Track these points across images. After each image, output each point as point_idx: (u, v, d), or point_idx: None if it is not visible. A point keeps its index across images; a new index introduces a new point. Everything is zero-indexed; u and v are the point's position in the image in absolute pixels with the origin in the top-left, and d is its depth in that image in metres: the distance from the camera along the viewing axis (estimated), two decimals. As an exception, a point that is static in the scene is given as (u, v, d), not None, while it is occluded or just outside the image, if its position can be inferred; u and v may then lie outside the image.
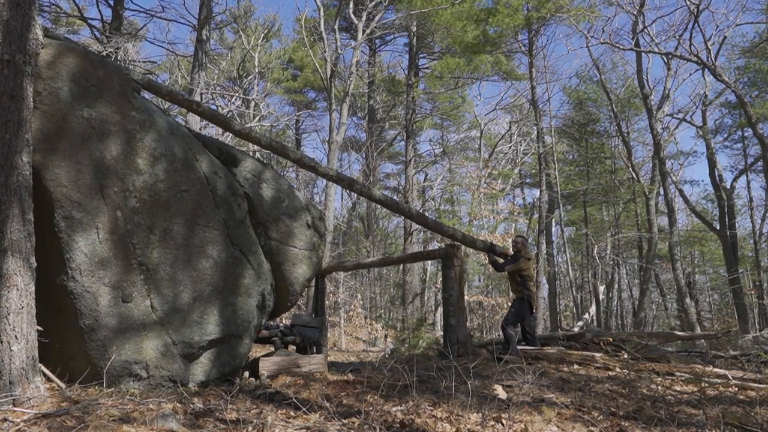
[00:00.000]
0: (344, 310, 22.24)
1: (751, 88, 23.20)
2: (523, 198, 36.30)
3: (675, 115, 24.82)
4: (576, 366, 6.95)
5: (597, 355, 7.21)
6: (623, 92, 25.95)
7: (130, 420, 3.84)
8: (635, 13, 19.44)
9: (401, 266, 25.45)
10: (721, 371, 6.39)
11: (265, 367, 6.33)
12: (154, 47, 44.09)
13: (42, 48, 5.00)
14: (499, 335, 11.40)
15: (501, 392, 4.59)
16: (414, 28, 23.21)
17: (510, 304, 8.99)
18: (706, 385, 5.52)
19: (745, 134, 25.00)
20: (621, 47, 20.20)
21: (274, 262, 6.72)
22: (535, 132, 24.27)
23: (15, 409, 3.98)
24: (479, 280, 28.73)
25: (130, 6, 15.09)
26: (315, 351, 8.05)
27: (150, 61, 17.21)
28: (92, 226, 5.04)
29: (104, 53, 11.60)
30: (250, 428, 3.82)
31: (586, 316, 14.26)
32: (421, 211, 28.66)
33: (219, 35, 25.73)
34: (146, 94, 6.31)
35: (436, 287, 27.09)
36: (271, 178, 6.93)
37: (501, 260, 8.92)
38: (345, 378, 6.13)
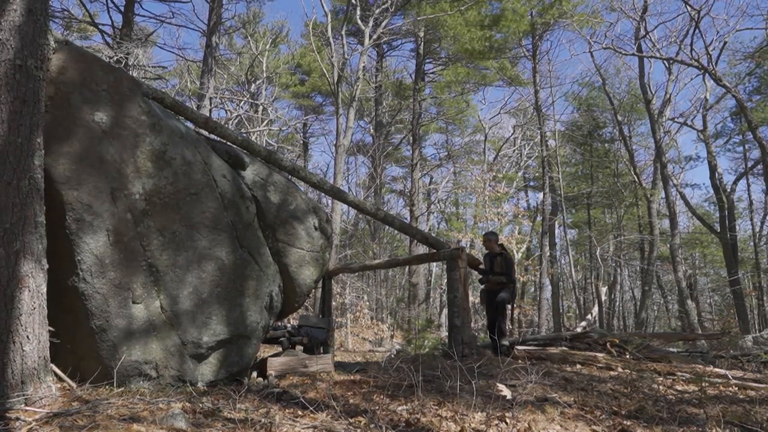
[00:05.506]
0: (351, 311, 22.33)
1: (752, 93, 23.24)
2: (527, 201, 36.38)
3: (676, 119, 24.89)
4: (579, 366, 7.01)
5: (600, 355, 7.28)
6: (626, 97, 26.01)
7: (139, 419, 3.88)
8: (637, 18, 19.54)
9: (407, 268, 25.51)
10: (722, 371, 6.43)
11: (273, 367, 6.41)
12: (164, 53, 44.43)
13: (53, 53, 5.08)
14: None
15: (505, 392, 4.65)
16: (421, 34, 23.32)
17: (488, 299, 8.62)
18: (707, 384, 5.58)
19: (746, 138, 25.02)
20: (623, 52, 20.28)
21: (281, 264, 6.78)
22: (539, 136, 24.34)
23: (27, 408, 4.02)
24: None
25: (141, 12, 15.33)
26: (322, 351, 8.11)
27: (160, 66, 17.42)
28: (102, 228, 5.11)
29: (115, 58, 11.74)
30: (257, 427, 3.85)
31: (589, 317, 14.28)
32: (425, 213, 28.75)
33: (228, 40, 25.88)
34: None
35: (441, 288, 27.14)
36: (278, 181, 7.00)
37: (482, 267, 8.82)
38: (351, 378, 6.18)
